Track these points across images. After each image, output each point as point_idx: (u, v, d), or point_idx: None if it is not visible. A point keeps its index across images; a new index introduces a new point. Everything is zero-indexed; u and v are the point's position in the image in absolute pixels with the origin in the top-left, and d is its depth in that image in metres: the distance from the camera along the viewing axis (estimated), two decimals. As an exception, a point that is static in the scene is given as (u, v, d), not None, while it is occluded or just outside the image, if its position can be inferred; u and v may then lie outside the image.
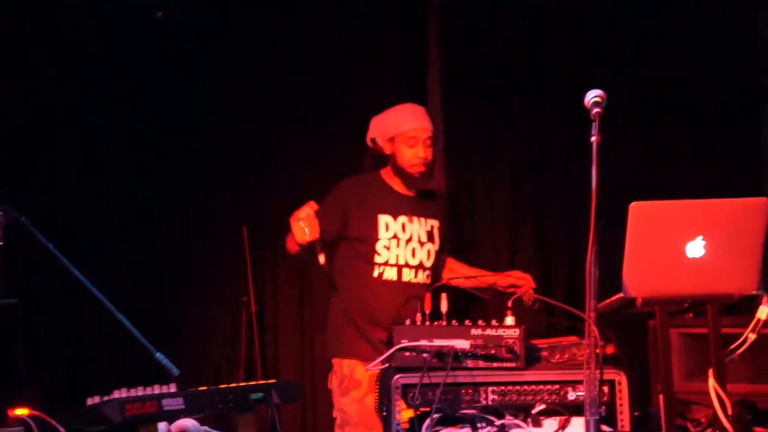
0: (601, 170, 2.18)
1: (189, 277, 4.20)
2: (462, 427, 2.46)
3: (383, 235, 3.26)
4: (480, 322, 2.51)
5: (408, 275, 3.27)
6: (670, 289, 2.39)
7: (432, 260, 3.34)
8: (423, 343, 2.47)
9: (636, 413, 2.48)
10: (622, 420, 2.44)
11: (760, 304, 2.43)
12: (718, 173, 3.81)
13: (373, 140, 3.35)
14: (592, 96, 2.27)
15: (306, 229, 3.06)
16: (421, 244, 3.30)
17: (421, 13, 4.23)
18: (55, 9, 3.95)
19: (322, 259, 3.10)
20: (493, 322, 2.51)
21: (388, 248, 3.26)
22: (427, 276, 3.33)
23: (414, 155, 3.27)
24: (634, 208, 2.33)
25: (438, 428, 2.44)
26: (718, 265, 2.35)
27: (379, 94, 4.13)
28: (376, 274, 3.24)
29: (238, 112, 4.20)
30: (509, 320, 2.53)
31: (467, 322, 2.53)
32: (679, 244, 2.35)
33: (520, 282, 3.22)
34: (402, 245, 3.27)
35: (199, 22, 4.13)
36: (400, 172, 3.31)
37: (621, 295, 2.39)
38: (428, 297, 2.71)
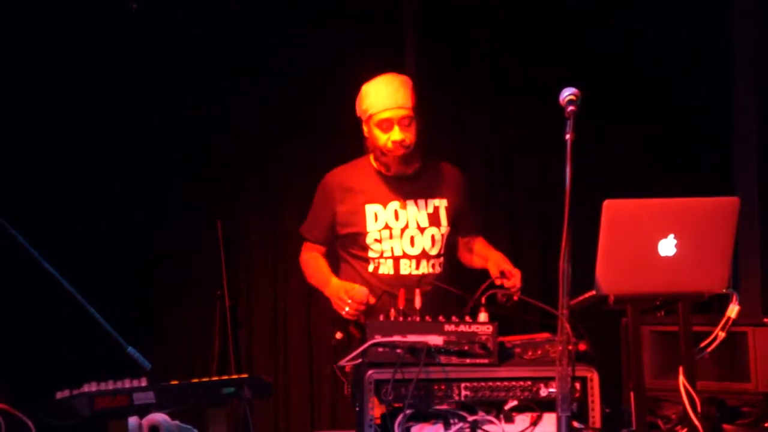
0: (575, 167, 2.19)
1: (162, 271, 4.17)
2: (434, 423, 2.46)
3: (372, 227, 3.04)
4: (453, 318, 2.52)
5: (407, 267, 3.03)
6: (641, 287, 2.41)
7: (440, 246, 3.05)
8: (396, 338, 2.46)
9: (607, 410, 2.50)
10: (593, 416, 2.46)
11: (730, 302, 2.46)
12: (690, 172, 3.85)
13: (358, 118, 3.08)
14: (567, 94, 2.29)
15: (347, 310, 2.86)
16: (422, 230, 3.04)
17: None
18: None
19: (338, 335, 2.91)
20: (467, 319, 2.52)
21: (379, 241, 3.03)
22: (439, 264, 3.05)
23: (388, 139, 2.98)
24: (608, 206, 2.35)
25: (410, 424, 2.45)
26: (688, 264, 2.37)
27: (353, 90, 4.14)
28: (371, 269, 3.05)
29: (211, 106, 4.17)
30: (483, 317, 2.53)
31: (441, 318, 2.53)
32: (652, 243, 2.37)
33: (510, 277, 2.90)
34: (397, 235, 3.02)
35: (170, 13, 4.09)
36: (380, 158, 3.03)
37: (593, 292, 2.41)
38: (402, 293, 2.71)
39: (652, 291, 2.45)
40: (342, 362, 2.59)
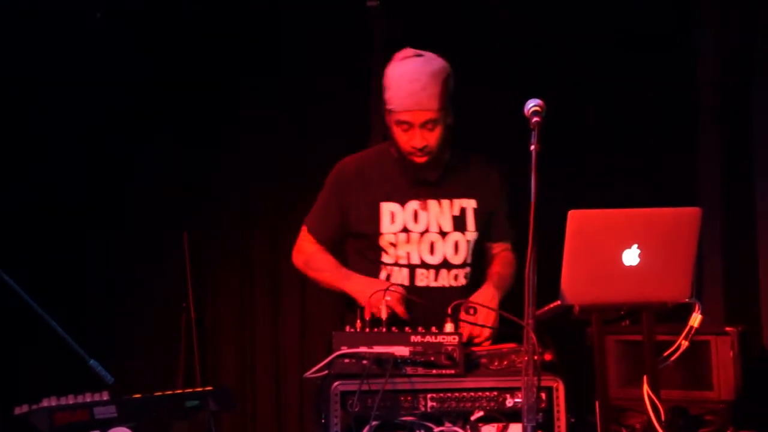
0: (540, 178, 2.21)
1: (126, 283, 4.12)
2: (401, 434, 2.46)
3: (387, 228, 2.68)
4: (419, 329, 2.50)
5: (424, 279, 2.70)
6: (606, 297, 2.43)
7: (465, 255, 2.68)
8: (362, 350, 2.45)
9: (572, 419, 2.51)
10: (558, 426, 2.46)
11: (692, 311, 2.49)
12: (654, 183, 3.89)
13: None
14: (532, 105, 2.31)
15: (382, 309, 2.49)
16: (443, 235, 2.69)
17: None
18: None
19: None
20: (433, 329, 2.51)
21: (395, 245, 2.67)
22: (464, 276, 2.69)
23: (408, 143, 2.60)
24: (573, 216, 2.36)
25: (376, 435, 2.43)
26: (652, 274, 2.39)
27: (325, 101, 4.13)
28: (383, 276, 2.72)
29: (180, 115, 4.14)
30: (448, 327, 2.53)
31: (407, 329, 2.52)
32: (616, 252, 2.38)
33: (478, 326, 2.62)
34: (415, 240, 2.67)
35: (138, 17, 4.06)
36: (400, 155, 2.66)
37: (559, 302, 2.42)
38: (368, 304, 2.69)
39: (617, 301, 2.46)
40: (308, 374, 2.57)
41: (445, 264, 2.72)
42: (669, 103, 3.98)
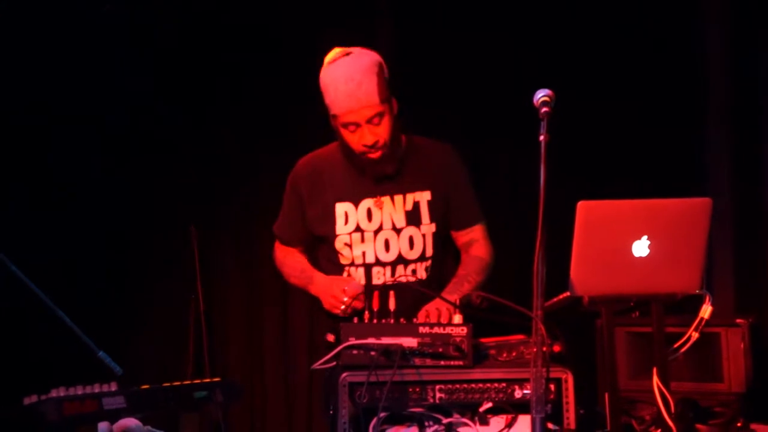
0: (549, 168, 2.19)
1: (135, 275, 4.13)
2: (409, 426, 2.45)
3: (342, 229, 2.71)
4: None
5: (381, 276, 2.72)
6: (615, 288, 2.41)
7: (422, 249, 2.69)
8: (371, 341, 2.45)
9: (581, 411, 2.50)
10: (567, 418, 2.45)
11: (703, 303, 2.47)
12: (664, 174, 3.86)
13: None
14: (541, 95, 2.29)
15: (341, 306, 2.56)
16: (398, 231, 2.71)
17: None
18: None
19: (330, 337, 2.61)
20: (441, 320, 2.51)
21: (349, 245, 2.70)
22: (425, 269, 2.71)
23: (358, 142, 2.60)
24: (582, 207, 2.35)
25: (385, 427, 2.43)
26: (662, 265, 2.38)
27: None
28: (345, 274, 2.77)
29: (186, 109, 4.14)
30: (457, 318, 2.52)
31: (415, 320, 2.51)
32: (626, 244, 2.37)
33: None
34: (369, 239, 2.68)
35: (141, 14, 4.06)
36: (352, 158, 2.65)
37: (568, 293, 2.41)
38: (376, 294, 2.69)
39: (626, 292, 2.45)
40: (316, 365, 2.57)
41: (401, 260, 2.73)
42: (678, 94, 3.96)
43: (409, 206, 2.72)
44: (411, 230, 2.73)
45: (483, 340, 2.63)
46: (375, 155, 2.64)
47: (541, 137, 2.22)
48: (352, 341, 2.45)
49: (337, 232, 2.73)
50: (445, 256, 2.82)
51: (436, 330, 2.47)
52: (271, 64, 4.12)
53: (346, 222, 2.73)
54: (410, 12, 3.77)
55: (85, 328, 2.45)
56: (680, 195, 2.44)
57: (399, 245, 2.72)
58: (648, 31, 3.96)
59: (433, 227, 2.73)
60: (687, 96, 3.96)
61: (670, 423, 2.37)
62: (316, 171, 2.78)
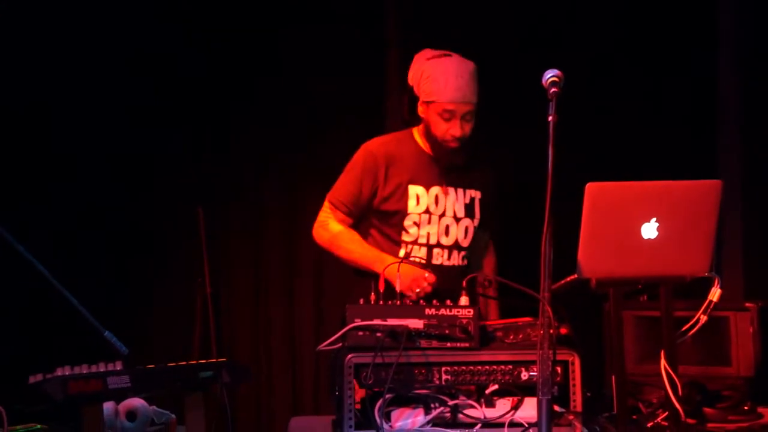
0: (557, 150, 2.17)
1: (143, 256, 4.13)
2: (415, 408, 2.44)
3: (413, 209, 2.91)
4: (434, 301, 2.49)
5: (439, 257, 2.94)
6: (624, 270, 2.40)
7: (470, 239, 2.97)
8: (376, 322, 2.44)
9: (588, 394, 2.48)
10: (574, 400, 2.44)
11: (712, 286, 2.45)
12: (674, 155, 3.84)
13: (411, 88, 2.92)
14: (550, 75, 2.27)
15: (417, 290, 2.66)
16: (457, 220, 2.95)
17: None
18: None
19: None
20: (447, 302, 2.49)
21: (418, 225, 2.91)
22: (463, 258, 2.97)
23: (447, 131, 2.86)
24: (591, 188, 2.33)
25: (390, 408, 2.42)
26: (671, 247, 2.36)
27: (340, 77, 4.10)
28: (402, 253, 2.91)
29: (195, 92, 4.12)
30: (463, 300, 2.51)
31: (421, 301, 2.50)
32: (635, 226, 2.35)
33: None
34: (434, 222, 2.92)
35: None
36: (432, 142, 2.91)
37: (575, 276, 2.39)
38: (382, 275, 2.69)
39: (635, 274, 2.43)
40: (322, 346, 2.56)
41: (456, 246, 2.97)
42: (688, 77, 3.93)
43: (468, 200, 2.99)
44: (467, 221, 2.99)
45: (489, 322, 2.62)
46: (455, 144, 2.89)
47: (550, 118, 2.20)
48: (358, 322, 2.44)
49: (409, 210, 2.93)
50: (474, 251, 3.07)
51: (442, 312, 2.46)
52: (282, 49, 4.12)
53: (418, 203, 2.94)
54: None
55: (92, 309, 2.45)
56: (690, 177, 2.42)
57: (457, 233, 2.96)
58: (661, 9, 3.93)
59: (479, 223, 3.02)
60: (699, 79, 3.93)
61: (678, 406, 2.36)
62: (390, 153, 2.96)
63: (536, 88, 2.31)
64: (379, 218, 2.96)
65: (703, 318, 2.44)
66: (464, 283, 2.57)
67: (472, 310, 2.48)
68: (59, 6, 3.91)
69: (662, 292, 2.45)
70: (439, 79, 2.85)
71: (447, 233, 2.94)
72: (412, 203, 2.92)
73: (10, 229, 2.44)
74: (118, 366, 2.23)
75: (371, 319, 2.45)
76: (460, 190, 2.96)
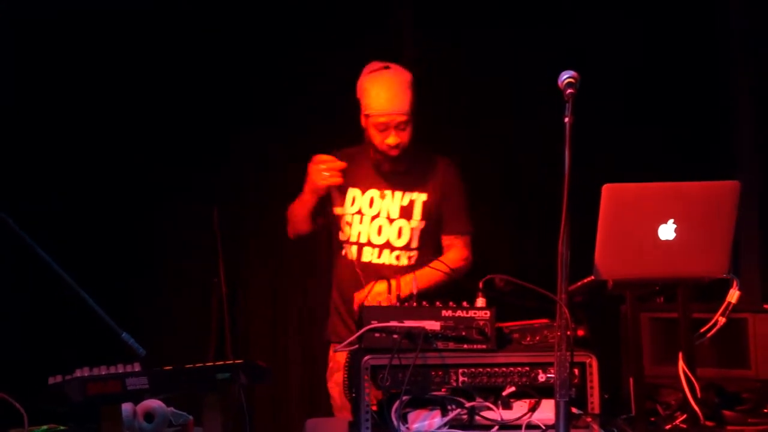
0: (574, 151, 2.16)
1: (159, 258, 4.15)
2: (431, 409, 2.44)
3: (348, 209, 3.16)
4: (450, 303, 2.49)
5: (369, 255, 3.13)
6: (641, 272, 2.39)
7: (408, 239, 3.11)
8: (393, 324, 2.44)
9: (606, 396, 2.48)
10: (592, 402, 2.44)
11: (730, 287, 2.44)
12: (691, 157, 3.82)
13: (358, 100, 3.14)
14: (566, 77, 2.25)
15: (326, 173, 2.98)
16: (391, 221, 3.13)
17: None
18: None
19: (339, 209, 2.99)
20: (464, 304, 2.49)
21: (350, 224, 3.15)
22: (409, 257, 3.12)
23: (383, 141, 3.07)
24: (607, 190, 2.33)
25: (407, 410, 2.42)
26: (689, 248, 2.35)
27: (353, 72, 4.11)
28: (343, 253, 3.17)
29: (208, 93, 4.14)
30: (480, 302, 2.51)
31: (438, 303, 2.50)
32: (652, 227, 2.34)
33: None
34: (366, 222, 3.13)
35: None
36: (375, 151, 3.13)
37: (592, 277, 2.38)
38: (398, 279, 2.69)
39: (652, 276, 2.42)
40: (338, 348, 2.56)
41: (388, 245, 3.13)
42: (703, 78, 3.91)
43: (406, 202, 3.14)
44: (401, 222, 3.13)
45: (506, 323, 2.62)
46: (394, 152, 3.08)
47: (566, 119, 2.19)
48: (375, 324, 2.44)
49: (345, 211, 3.15)
50: (435, 252, 3.18)
51: (459, 313, 2.46)
52: (300, 49, 4.13)
53: (353, 204, 3.16)
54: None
55: (109, 310, 2.46)
56: (707, 179, 2.40)
57: (389, 233, 3.13)
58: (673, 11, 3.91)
59: (422, 224, 3.14)
60: (715, 80, 3.91)
61: (696, 408, 2.35)
62: (344, 161, 3.14)
63: (553, 89, 2.31)
64: (331, 219, 3.17)
65: (722, 320, 2.42)
66: (480, 285, 2.57)
67: (488, 312, 2.47)
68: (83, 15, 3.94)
69: (680, 294, 2.44)
70: (372, 92, 3.06)
71: (379, 233, 3.12)
72: (347, 204, 3.15)
73: (27, 230, 2.46)
74: (137, 367, 2.24)
75: (388, 321, 2.45)
76: (399, 192, 3.13)
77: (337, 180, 3.01)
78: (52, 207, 3.88)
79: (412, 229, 3.13)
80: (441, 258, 3.11)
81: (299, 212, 3.18)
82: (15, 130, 3.91)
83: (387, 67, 3.12)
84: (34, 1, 3.89)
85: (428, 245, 3.16)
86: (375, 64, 3.15)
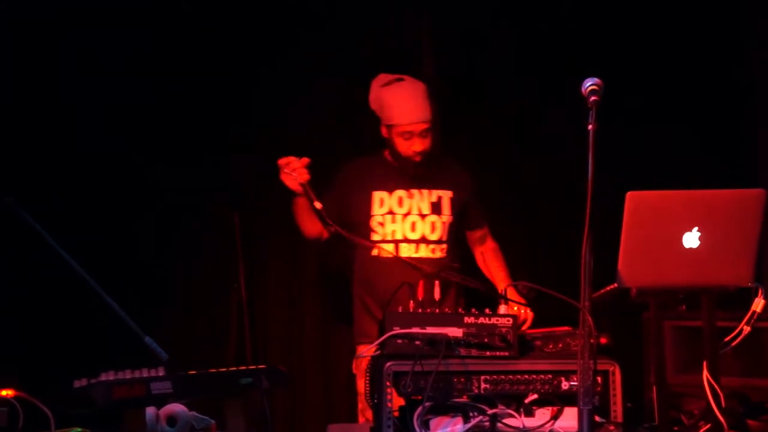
0: (597, 158, 2.16)
1: (180, 263, 4.16)
2: (453, 416, 2.44)
3: (377, 211, 3.33)
4: (473, 310, 2.49)
5: (407, 250, 3.30)
6: (665, 280, 2.37)
7: (440, 233, 3.34)
8: (415, 330, 2.44)
9: (629, 404, 2.46)
10: (615, 411, 2.42)
11: (755, 296, 2.42)
12: (715, 164, 3.80)
13: (373, 111, 3.36)
14: (589, 84, 2.26)
15: (293, 174, 3.08)
16: (423, 216, 3.33)
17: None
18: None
19: (318, 204, 3.06)
20: (487, 311, 2.49)
21: (382, 224, 3.32)
22: (441, 250, 3.34)
23: (409, 148, 3.29)
24: (631, 197, 2.31)
25: (429, 417, 2.42)
26: (713, 257, 2.33)
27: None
28: (375, 252, 3.31)
29: (230, 97, 4.16)
30: (503, 309, 2.50)
31: (460, 310, 2.50)
32: (676, 235, 2.33)
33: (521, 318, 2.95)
34: (399, 220, 3.32)
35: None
36: (398, 158, 3.35)
37: (616, 285, 2.37)
38: (421, 284, 2.69)
39: (676, 284, 2.41)
40: (360, 353, 2.57)
41: (424, 239, 3.34)
42: (731, 85, 3.89)
43: (435, 199, 3.37)
44: (433, 217, 3.35)
45: (528, 331, 2.61)
46: (418, 158, 3.32)
47: (590, 126, 2.19)
48: (397, 330, 2.44)
49: (373, 212, 3.34)
50: (458, 246, 3.47)
51: (481, 320, 2.46)
52: (318, 52, 4.15)
53: (382, 205, 3.35)
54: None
55: (132, 314, 2.48)
56: (730, 184, 2.39)
57: (423, 228, 3.34)
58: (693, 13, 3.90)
59: (450, 219, 3.38)
60: (735, 87, 3.88)
61: (720, 417, 2.33)
62: (362, 169, 3.43)
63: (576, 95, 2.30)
64: (352, 225, 3.30)
65: (747, 329, 2.40)
66: (503, 291, 2.57)
67: (511, 319, 2.47)
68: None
69: (704, 302, 2.42)
70: (393, 104, 3.29)
71: (413, 229, 3.32)
72: (376, 206, 3.34)
73: (53, 235, 2.48)
74: (161, 372, 2.25)
75: (410, 327, 2.45)
76: (425, 191, 3.36)
77: (304, 177, 3.08)
78: (75, 214, 3.89)
79: (443, 224, 3.35)
80: (489, 248, 3.49)
81: (297, 217, 3.38)
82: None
83: (401, 79, 3.32)
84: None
85: (453, 239, 3.40)
86: (386, 77, 3.34)
